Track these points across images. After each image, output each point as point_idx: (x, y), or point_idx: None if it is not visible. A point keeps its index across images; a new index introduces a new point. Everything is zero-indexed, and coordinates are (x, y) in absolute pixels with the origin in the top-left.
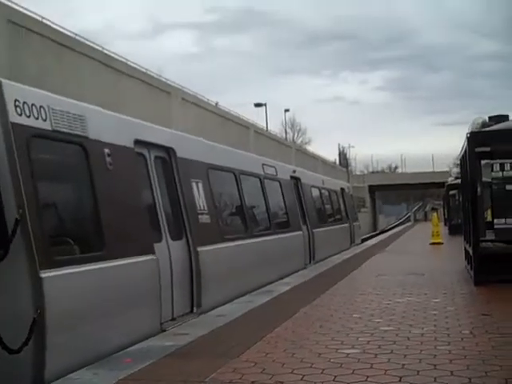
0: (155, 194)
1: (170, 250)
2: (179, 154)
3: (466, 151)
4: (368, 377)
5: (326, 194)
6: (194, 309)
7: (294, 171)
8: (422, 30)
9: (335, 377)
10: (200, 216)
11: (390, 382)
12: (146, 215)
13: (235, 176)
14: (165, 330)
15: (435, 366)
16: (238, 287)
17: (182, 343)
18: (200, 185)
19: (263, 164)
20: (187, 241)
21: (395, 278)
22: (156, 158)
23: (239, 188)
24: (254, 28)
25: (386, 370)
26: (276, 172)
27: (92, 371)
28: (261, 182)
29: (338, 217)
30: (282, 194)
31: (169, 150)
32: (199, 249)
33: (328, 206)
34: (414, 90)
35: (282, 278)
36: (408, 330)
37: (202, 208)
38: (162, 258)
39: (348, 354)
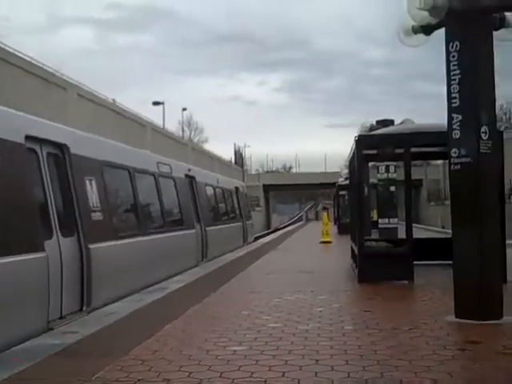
0: (47, 191)
1: (60, 247)
2: (73, 150)
3: (354, 153)
4: (253, 373)
5: (221, 192)
6: (84, 307)
7: (189, 170)
8: (317, 34)
9: (221, 373)
10: (93, 213)
11: (274, 378)
12: (35, 212)
13: (130, 173)
14: (52, 329)
15: (317, 361)
16: (129, 285)
17: (71, 341)
18: (94, 182)
19: (158, 162)
20: (79, 238)
21: (285, 276)
22: (48, 154)
23: (133, 186)
24: (154, 26)
25: (270, 366)
26: (171, 170)
27: None
28: (155, 180)
29: (231, 215)
30: (177, 192)
31: (62, 147)
32: (91, 246)
33: (222, 205)
34: (310, 92)
35: (174, 276)
36: (294, 326)
37: (95, 205)
38: (52, 255)
39: (235, 350)
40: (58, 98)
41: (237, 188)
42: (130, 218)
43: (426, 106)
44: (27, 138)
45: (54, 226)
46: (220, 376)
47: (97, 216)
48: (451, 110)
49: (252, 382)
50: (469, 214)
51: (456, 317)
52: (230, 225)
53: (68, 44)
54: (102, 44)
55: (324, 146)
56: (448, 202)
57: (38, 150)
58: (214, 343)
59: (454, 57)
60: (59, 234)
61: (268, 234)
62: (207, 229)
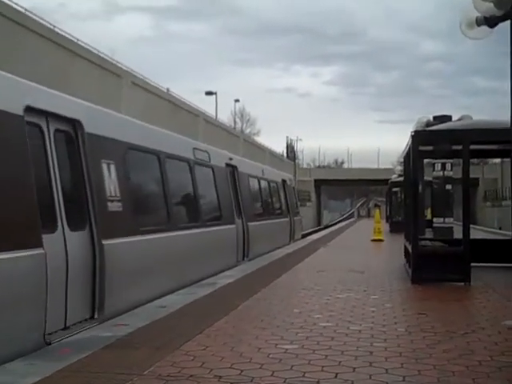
0: (52, 176)
1: (66, 243)
2: (88, 128)
3: (409, 149)
4: (305, 373)
5: (266, 185)
6: (96, 314)
7: (231, 158)
8: (372, 28)
9: (273, 372)
10: (110, 203)
11: (326, 379)
12: (30, 201)
13: (159, 159)
14: (50, 343)
15: (371, 363)
16: (152, 288)
17: (122, 334)
18: (113, 167)
19: (194, 148)
20: (91, 232)
21: (336, 274)
22: (57, 131)
23: (163, 173)
24: (210, 16)
25: (322, 367)
26: (209, 157)
27: (28, 361)
28: (190, 168)
29: (277, 210)
30: (215, 182)
31: (75, 123)
32: (105, 242)
33: (267, 198)
34: (363, 86)
35: (209, 277)
36: (346, 326)
37: (113, 194)
38: (54, 252)
39: (287, 349)
40: (112, 84)
41: (284, 181)
42: (157, 210)
43: (482, 102)
44: (28, 109)
45: (58, 217)
46: (272, 375)
47: (115, 206)
48: None
49: (304, 382)
50: None
51: None
52: (276, 220)
53: (122, 31)
54: (156, 31)
55: (376, 142)
56: (505, 203)
57: (44, 126)
58: (266, 341)
59: None
60: (65, 227)
61: (318, 230)
62: (249, 224)
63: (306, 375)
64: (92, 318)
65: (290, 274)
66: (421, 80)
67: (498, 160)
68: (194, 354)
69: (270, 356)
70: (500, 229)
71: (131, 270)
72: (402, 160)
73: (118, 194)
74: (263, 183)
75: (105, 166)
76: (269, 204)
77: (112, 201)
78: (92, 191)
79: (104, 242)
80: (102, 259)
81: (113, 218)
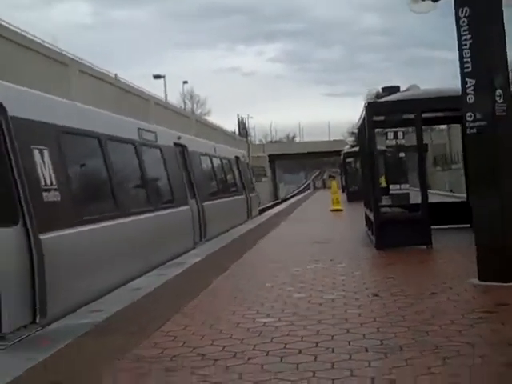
0: None
1: None
2: (12, 111)
3: (364, 120)
4: (286, 344)
5: (219, 162)
6: (37, 319)
7: (179, 137)
8: (314, 5)
9: (255, 346)
10: (46, 193)
11: (307, 348)
12: None
13: (100, 142)
14: None
15: (348, 330)
16: (103, 282)
17: (99, 320)
18: (46, 153)
19: (140, 128)
20: (25, 226)
21: (301, 246)
22: None
23: (105, 156)
24: (149, 1)
25: (302, 337)
26: (156, 138)
27: (9, 354)
28: (136, 149)
29: (232, 188)
30: (164, 164)
31: None
32: (43, 236)
33: (221, 177)
34: (307, 62)
35: (165, 263)
36: (319, 295)
37: (48, 183)
38: None
39: (265, 322)
40: (59, 73)
41: (237, 157)
42: (101, 196)
43: (423, 72)
44: None
45: None
46: (253, 349)
47: (51, 196)
48: (464, 75)
49: (286, 353)
50: (487, 177)
51: (479, 279)
52: (232, 198)
53: (62, 19)
54: (98, 19)
55: (325, 115)
56: (455, 166)
57: None
58: (243, 316)
59: (463, 22)
60: None
61: (277, 204)
62: (204, 204)
63: (287, 346)
64: (33, 322)
65: (256, 250)
66: (363, 54)
67: (445, 126)
68: (175, 334)
69: (250, 330)
70: (451, 191)
71: (76, 264)
72: (355, 131)
73: (55, 183)
74: (216, 161)
75: (36, 153)
76: (223, 182)
77: (48, 190)
78: (22, 181)
79: (41, 236)
80: (40, 255)
81: (50, 209)
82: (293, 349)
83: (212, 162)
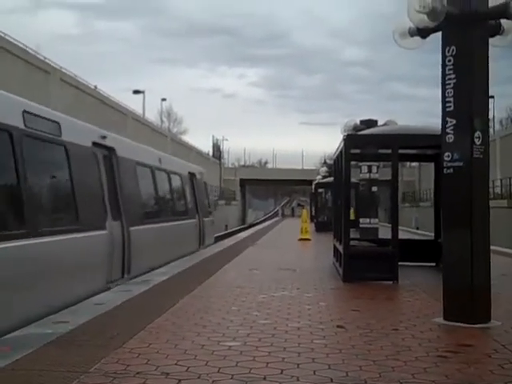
0: None
1: None
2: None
3: (341, 152)
4: (251, 369)
5: (165, 177)
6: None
7: (104, 136)
8: (297, 32)
9: (219, 369)
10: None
11: (272, 375)
12: None
13: None
14: None
15: (313, 359)
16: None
17: (62, 331)
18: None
19: (25, 111)
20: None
21: (268, 272)
22: None
23: None
24: (136, 15)
25: (267, 363)
26: (60, 131)
27: None
28: (12, 144)
29: (181, 210)
30: (70, 168)
31: None
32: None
33: (166, 195)
34: (288, 88)
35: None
36: (285, 323)
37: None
38: None
39: (230, 346)
40: (40, 80)
41: (192, 174)
42: None
43: (401, 107)
44: None
45: None
46: (218, 371)
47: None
48: (446, 114)
49: (251, 378)
50: (460, 217)
51: (444, 319)
52: (179, 222)
53: (47, 28)
54: (83, 29)
55: (300, 143)
56: (423, 204)
57: None
58: (208, 338)
59: (449, 61)
60: None
61: (244, 229)
62: (133, 229)
63: (252, 371)
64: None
65: (223, 273)
66: (344, 85)
67: (415, 163)
68: (139, 352)
69: (215, 353)
70: (417, 228)
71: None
72: (329, 161)
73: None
74: (160, 175)
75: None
76: (168, 202)
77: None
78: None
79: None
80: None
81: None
82: (258, 374)
83: (154, 176)
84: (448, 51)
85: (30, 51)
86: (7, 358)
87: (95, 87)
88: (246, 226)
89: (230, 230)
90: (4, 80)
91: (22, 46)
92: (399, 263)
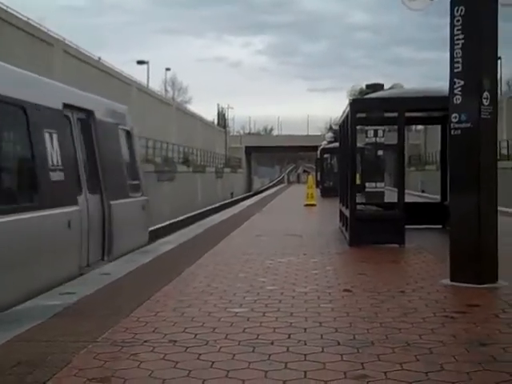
0: None
1: None
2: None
3: (347, 116)
4: (259, 335)
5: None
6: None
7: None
8: None
9: (226, 335)
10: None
11: (280, 339)
12: None
13: None
14: None
15: (320, 323)
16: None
17: (69, 302)
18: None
19: None
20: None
21: (275, 238)
22: None
23: None
24: None
25: (274, 328)
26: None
27: None
28: None
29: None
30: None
31: None
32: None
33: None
34: (292, 55)
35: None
36: (292, 288)
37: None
38: None
39: (237, 312)
40: (43, 52)
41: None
42: None
43: (405, 71)
44: None
45: None
46: (226, 338)
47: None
48: (453, 75)
49: (259, 343)
50: (468, 179)
51: (451, 280)
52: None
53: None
54: (89, 2)
55: (305, 110)
56: (428, 167)
57: None
58: (215, 305)
59: (458, 21)
60: None
61: (250, 196)
62: (114, 203)
63: (259, 337)
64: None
65: (230, 240)
66: (348, 50)
67: (421, 127)
68: (146, 320)
69: (221, 320)
70: (423, 191)
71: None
72: (334, 126)
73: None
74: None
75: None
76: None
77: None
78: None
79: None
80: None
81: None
82: (265, 340)
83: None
84: (457, 11)
85: (33, 23)
86: (14, 330)
87: (99, 59)
88: (251, 193)
89: (235, 198)
90: (7, 52)
91: (24, 18)
92: (405, 226)
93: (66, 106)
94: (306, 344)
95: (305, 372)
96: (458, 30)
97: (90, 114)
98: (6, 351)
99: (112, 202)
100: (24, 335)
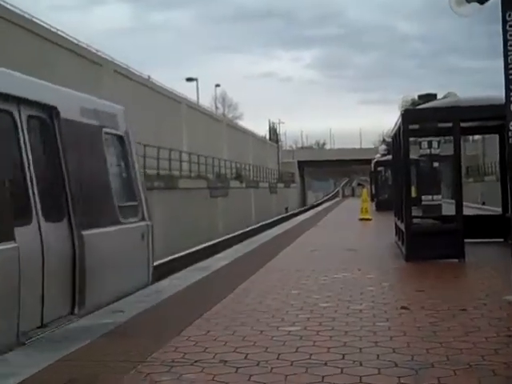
0: None
1: None
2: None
3: (399, 128)
4: (312, 355)
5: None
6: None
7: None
8: (349, 10)
9: (279, 355)
10: None
11: (334, 360)
12: None
13: None
14: None
15: (376, 343)
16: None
17: (119, 321)
18: None
19: None
20: None
21: (330, 253)
22: None
23: None
24: (187, 4)
25: (328, 348)
26: None
27: (24, 352)
28: None
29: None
30: None
31: None
32: None
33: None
34: (342, 68)
35: None
36: (346, 306)
37: None
38: None
39: (289, 331)
40: (92, 73)
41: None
42: None
43: (458, 80)
44: None
45: None
46: (278, 358)
47: None
48: (509, 82)
49: (312, 364)
50: None
51: None
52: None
53: (101, 23)
54: (137, 22)
55: (356, 122)
56: (488, 178)
57: None
58: (267, 323)
59: (510, 27)
60: None
61: (304, 211)
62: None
63: (312, 357)
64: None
65: (284, 255)
66: (398, 60)
67: (479, 136)
68: (196, 339)
69: (274, 339)
70: (483, 204)
71: None
72: (387, 139)
73: None
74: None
75: None
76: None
77: None
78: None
79: None
80: None
81: None
82: (318, 360)
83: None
84: (509, 16)
85: (83, 45)
86: (65, 349)
87: (148, 77)
88: (306, 207)
89: (289, 213)
90: (62, 74)
91: (75, 41)
92: (465, 240)
93: (5, 97)
94: (361, 365)
95: None
96: (510, 35)
97: (51, 111)
98: (56, 371)
99: (85, 233)
100: (73, 355)
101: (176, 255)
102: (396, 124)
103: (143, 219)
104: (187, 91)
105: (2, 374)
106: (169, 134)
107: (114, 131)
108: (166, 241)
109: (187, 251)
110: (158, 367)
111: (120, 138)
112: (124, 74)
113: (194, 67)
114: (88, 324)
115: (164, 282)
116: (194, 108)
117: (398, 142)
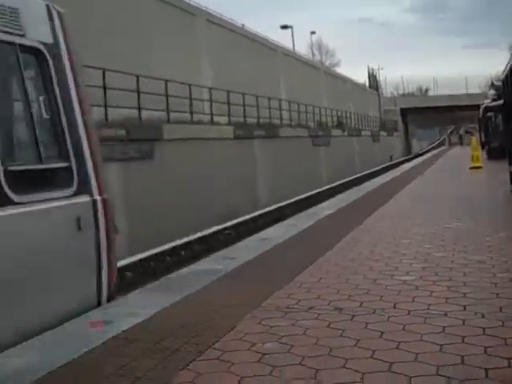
0: None
1: None
2: None
3: (511, 70)
4: (429, 305)
5: None
6: None
7: None
8: None
9: (395, 304)
10: None
11: (453, 311)
12: None
13: None
14: None
15: (497, 294)
16: None
17: (231, 267)
18: None
19: None
20: None
21: (439, 202)
22: None
23: None
24: None
25: (447, 298)
26: None
27: (140, 295)
28: None
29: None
30: None
31: None
32: None
33: None
34: (442, 11)
35: None
36: (463, 256)
37: None
38: None
39: (404, 280)
40: (186, 23)
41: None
42: None
43: None
44: None
45: None
46: (394, 307)
47: None
48: None
49: (431, 314)
50: None
51: None
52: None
53: None
54: None
55: (460, 68)
56: None
57: None
58: (380, 272)
59: None
60: None
61: (409, 159)
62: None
63: (430, 307)
64: None
65: (391, 204)
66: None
67: None
68: (309, 286)
69: (388, 288)
70: None
71: None
72: (494, 83)
73: None
74: None
75: None
76: None
77: None
78: None
79: None
80: None
81: None
82: (437, 311)
83: None
84: None
85: None
86: (178, 294)
87: (242, 25)
88: (411, 156)
89: (394, 161)
90: (153, 26)
91: None
92: None
93: None
94: (483, 317)
95: (485, 348)
96: None
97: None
98: (171, 314)
99: None
100: (186, 299)
101: (283, 203)
102: (507, 65)
103: (82, 192)
104: (282, 39)
105: (124, 312)
106: (266, 83)
107: (18, 40)
108: (271, 189)
109: (294, 199)
110: (273, 312)
111: (35, 53)
112: (217, 23)
113: (288, 15)
114: (200, 269)
115: (270, 230)
116: (290, 55)
117: (510, 84)
